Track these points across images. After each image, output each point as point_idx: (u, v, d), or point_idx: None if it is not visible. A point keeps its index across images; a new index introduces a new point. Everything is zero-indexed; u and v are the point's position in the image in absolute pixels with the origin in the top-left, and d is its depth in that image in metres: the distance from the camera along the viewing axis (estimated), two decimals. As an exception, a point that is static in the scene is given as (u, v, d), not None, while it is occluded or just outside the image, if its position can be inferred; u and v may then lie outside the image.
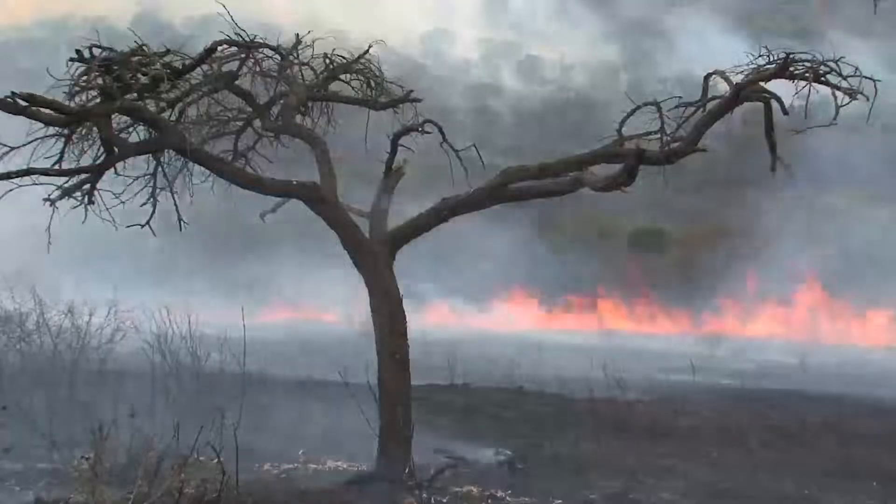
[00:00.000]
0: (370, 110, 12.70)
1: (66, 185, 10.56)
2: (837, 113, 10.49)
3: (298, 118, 12.34)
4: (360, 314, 17.61)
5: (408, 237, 12.12)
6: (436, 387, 18.44)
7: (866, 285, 35.79)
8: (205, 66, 10.98)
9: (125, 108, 10.48)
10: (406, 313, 11.87)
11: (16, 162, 10.01)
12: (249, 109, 12.33)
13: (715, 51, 33.58)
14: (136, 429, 10.52)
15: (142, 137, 11.14)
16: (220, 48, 11.06)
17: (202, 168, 11.63)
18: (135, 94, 10.42)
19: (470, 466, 13.14)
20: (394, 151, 12.42)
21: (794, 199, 35.63)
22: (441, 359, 19.27)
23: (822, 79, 10.53)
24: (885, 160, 40.07)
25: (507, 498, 11.65)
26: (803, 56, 10.64)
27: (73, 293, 15.60)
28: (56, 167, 10.36)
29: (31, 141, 10.09)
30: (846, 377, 25.18)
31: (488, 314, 37.15)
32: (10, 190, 10.01)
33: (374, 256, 11.86)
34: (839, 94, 10.47)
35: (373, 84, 12.59)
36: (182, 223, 11.54)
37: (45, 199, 10.41)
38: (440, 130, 12.50)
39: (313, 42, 12.25)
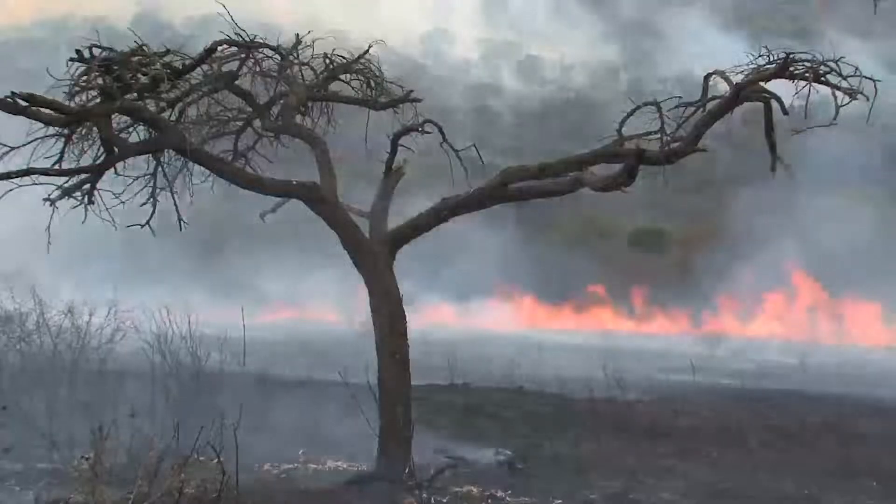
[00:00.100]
0: (370, 110, 12.70)
1: (66, 185, 10.57)
2: (837, 113, 10.49)
3: (298, 118, 12.34)
4: (360, 314, 17.58)
5: (408, 237, 12.12)
6: (436, 387, 18.40)
7: (866, 285, 35.79)
8: (205, 66, 10.99)
9: (125, 108, 10.49)
10: (406, 313, 11.88)
11: (16, 162, 10.02)
12: (249, 109, 12.33)
13: (715, 51, 33.65)
14: (136, 429, 10.52)
15: (142, 137, 11.15)
16: (220, 48, 11.07)
17: (202, 168, 11.64)
18: (135, 94, 10.44)
19: (470, 466, 13.12)
20: (394, 151, 12.42)
21: (794, 199, 35.60)
22: (441, 359, 19.21)
23: (822, 79, 10.53)
24: (885, 160, 40.16)
25: (507, 498, 11.64)
26: (803, 56, 10.64)
27: (73, 293, 15.56)
28: (56, 167, 10.37)
29: (31, 141, 10.10)
30: (846, 377, 25.12)
31: (488, 314, 37.11)
32: (10, 190, 10.02)
33: (374, 256, 11.85)
34: (839, 94, 10.47)
35: (373, 84, 12.59)
36: (182, 223, 11.56)
37: (45, 199, 10.43)
38: (440, 130, 12.50)
39: (313, 42, 12.25)
